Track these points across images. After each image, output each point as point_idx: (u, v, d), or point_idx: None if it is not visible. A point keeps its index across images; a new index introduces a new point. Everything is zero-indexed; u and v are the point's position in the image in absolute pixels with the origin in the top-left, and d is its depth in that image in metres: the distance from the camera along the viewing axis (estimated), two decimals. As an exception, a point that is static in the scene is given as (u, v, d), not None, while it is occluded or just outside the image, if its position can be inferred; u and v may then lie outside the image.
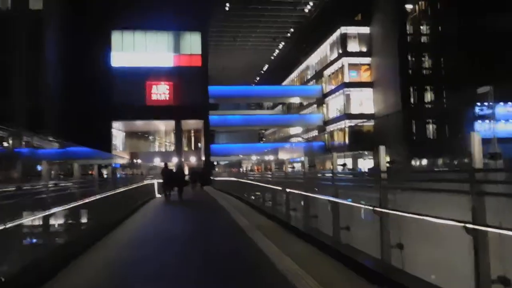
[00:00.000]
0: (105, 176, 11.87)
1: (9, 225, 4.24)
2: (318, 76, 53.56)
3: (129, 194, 12.19)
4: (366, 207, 4.70)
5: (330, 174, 6.47)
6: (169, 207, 14.77)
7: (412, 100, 43.28)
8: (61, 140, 9.80)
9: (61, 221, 6.36)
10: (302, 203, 7.10)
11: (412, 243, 4.30)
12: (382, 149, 5.05)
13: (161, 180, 18.54)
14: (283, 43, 63.14)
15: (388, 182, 4.80)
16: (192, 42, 40.43)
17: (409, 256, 4.29)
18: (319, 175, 9.17)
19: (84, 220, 7.63)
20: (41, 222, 5.50)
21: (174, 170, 19.30)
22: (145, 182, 17.47)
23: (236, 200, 14.80)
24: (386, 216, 4.50)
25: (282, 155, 44.48)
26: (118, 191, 10.52)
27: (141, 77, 38.28)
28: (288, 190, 7.88)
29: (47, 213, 5.52)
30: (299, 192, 7.24)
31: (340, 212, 5.60)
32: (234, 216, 9.98)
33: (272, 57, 67.81)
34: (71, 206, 6.40)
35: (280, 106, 66.29)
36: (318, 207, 6.74)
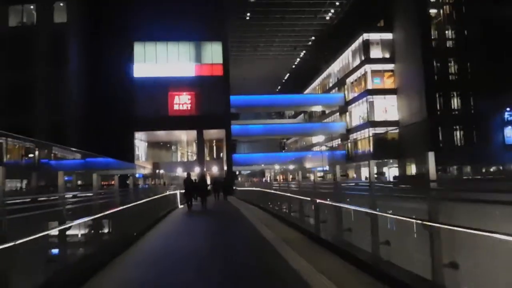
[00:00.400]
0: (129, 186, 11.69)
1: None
2: (340, 83, 52.87)
3: (151, 205, 11.94)
4: (413, 220, 4.16)
5: (364, 184, 5.92)
6: (192, 218, 14.41)
7: (438, 106, 42.02)
8: (83, 151, 9.69)
9: (74, 236, 6.08)
10: (334, 214, 6.57)
11: (470, 262, 3.73)
12: (431, 155, 4.53)
13: (183, 190, 18.38)
14: (304, 52, 62.82)
15: (437, 192, 4.24)
16: (213, 52, 40.61)
17: (465, 277, 3.73)
18: (351, 184, 8.61)
19: (101, 233, 7.37)
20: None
21: (197, 180, 19.16)
22: (168, 192, 17.27)
23: (260, 210, 14.33)
24: (438, 231, 3.95)
25: (305, 164, 43.90)
26: (140, 202, 10.27)
27: (163, 87, 38.62)
28: (318, 200, 7.37)
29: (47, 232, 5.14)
30: (331, 203, 6.73)
31: (380, 225, 5.05)
32: (259, 228, 9.50)
33: (293, 66, 67.53)
34: (83, 220, 6.12)
35: (301, 115, 65.73)
36: (351, 219, 6.22)
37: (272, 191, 13.11)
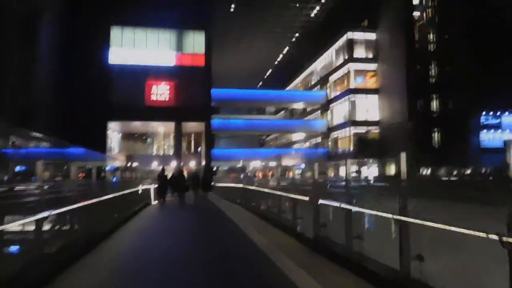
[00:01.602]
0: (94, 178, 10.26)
1: None
2: (323, 81, 52.48)
3: (120, 201, 10.55)
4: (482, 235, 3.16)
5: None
6: (169, 217, 13.02)
7: (418, 107, 42.28)
8: (55, 138, 8.28)
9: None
10: (343, 219, 5.51)
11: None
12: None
13: (157, 185, 17.42)
14: (287, 47, 61.96)
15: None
16: (196, 41, 38.94)
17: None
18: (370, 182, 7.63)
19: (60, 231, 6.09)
20: None
21: (172, 175, 18.26)
22: (141, 187, 15.83)
23: (245, 210, 13.13)
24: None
25: (286, 162, 43.08)
26: (107, 197, 8.93)
27: (141, 75, 36.64)
28: (321, 201, 6.30)
29: None
30: (337, 205, 5.67)
31: (411, 235, 4.04)
32: (248, 233, 8.29)
33: (276, 62, 66.61)
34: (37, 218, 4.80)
35: (282, 112, 65.01)
36: (363, 224, 5.19)
37: (260, 189, 11.96)
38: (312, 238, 6.55)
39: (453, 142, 38.61)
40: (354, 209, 5.16)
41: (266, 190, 11.27)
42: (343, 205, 5.40)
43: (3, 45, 31.14)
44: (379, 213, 4.57)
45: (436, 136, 42.56)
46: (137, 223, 10.59)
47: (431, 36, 45.76)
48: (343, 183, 6.12)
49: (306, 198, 7.00)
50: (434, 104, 44.03)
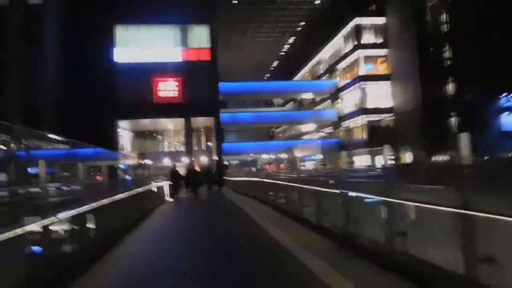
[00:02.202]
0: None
1: None
2: (331, 70, 51.51)
3: (132, 202, 10.10)
4: None
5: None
6: (185, 214, 12.51)
7: (433, 93, 41.07)
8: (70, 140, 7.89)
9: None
10: (379, 212, 4.92)
11: None
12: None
13: (170, 182, 17.32)
14: (293, 38, 60.88)
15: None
16: (200, 35, 38.30)
17: None
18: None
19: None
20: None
21: (186, 171, 18.16)
22: (155, 184, 15.42)
23: (261, 204, 12.60)
24: None
25: (297, 153, 42.46)
26: (124, 196, 8.50)
27: (148, 73, 36.20)
28: (354, 194, 5.70)
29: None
30: (373, 197, 5.07)
31: (477, 232, 3.40)
32: (269, 230, 7.74)
33: (282, 53, 65.59)
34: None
35: (291, 103, 64.20)
36: (408, 219, 4.59)
37: (276, 181, 11.40)
38: (341, 235, 5.98)
39: (471, 126, 37.47)
40: (395, 202, 4.56)
41: (284, 183, 10.71)
42: (380, 198, 4.80)
43: (8, 46, 31.00)
44: (431, 206, 3.94)
45: (453, 121, 41.34)
46: (155, 221, 10.18)
47: (443, 17, 44.35)
48: (369, 172, 5.48)
49: (333, 190, 6.42)
50: (449, 88, 42.79)
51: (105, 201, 7.08)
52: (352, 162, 42.18)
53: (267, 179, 13.57)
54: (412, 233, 4.40)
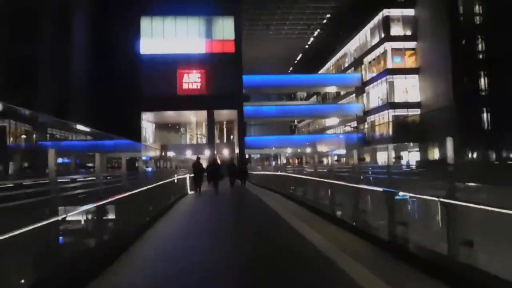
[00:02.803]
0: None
1: None
2: (357, 63, 50.16)
3: (153, 195, 9.76)
4: None
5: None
6: (209, 209, 12.03)
7: (465, 87, 39.22)
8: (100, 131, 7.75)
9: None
10: (436, 215, 4.32)
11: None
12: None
13: (192, 175, 17.01)
14: (318, 30, 59.54)
15: None
16: (225, 27, 37.87)
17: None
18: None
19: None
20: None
21: (207, 164, 17.90)
22: (177, 176, 15.14)
23: (286, 200, 12.07)
24: None
25: (321, 148, 41.60)
26: (145, 188, 8.16)
27: (172, 65, 36.16)
28: (402, 194, 5.09)
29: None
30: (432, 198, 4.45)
31: None
32: (299, 228, 7.17)
33: (306, 46, 64.37)
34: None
35: (314, 97, 63.09)
36: (469, 225, 3.97)
37: (306, 177, 10.82)
38: (388, 239, 5.38)
39: (506, 123, 35.65)
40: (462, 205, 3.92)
41: (315, 178, 10.14)
42: (439, 199, 4.18)
43: (36, 42, 31.50)
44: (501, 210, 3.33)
45: (486, 117, 39.43)
46: (172, 220, 9.77)
47: (477, 8, 42.27)
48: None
49: (376, 189, 5.82)
50: (482, 82, 40.79)
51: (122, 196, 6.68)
52: (363, 159, 41.05)
53: (294, 173, 13.02)
54: (480, 241, 3.78)
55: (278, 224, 8.25)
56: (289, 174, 13.37)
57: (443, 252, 4.16)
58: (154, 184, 9.81)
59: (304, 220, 8.25)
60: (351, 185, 6.96)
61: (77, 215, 5.06)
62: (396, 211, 5.35)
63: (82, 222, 5.45)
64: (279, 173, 15.50)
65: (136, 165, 8.98)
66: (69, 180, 5.68)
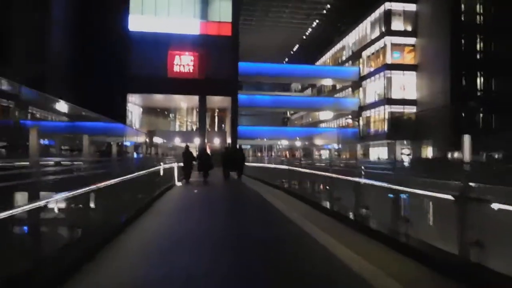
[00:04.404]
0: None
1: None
2: (355, 57, 49.13)
3: (136, 186, 8.23)
4: None
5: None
6: (199, 211, 9.45)
7: (462, 86, 38.58)
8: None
9: None
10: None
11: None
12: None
13: (181, 164, 16.08)
14: (317, 21, 58.05)
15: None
16: (222, 8, 35.97)
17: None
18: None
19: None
20: None
21: (197, 153, 17.29)
22: (163, 165, 13.54)
23: (288, 196, 10.67)
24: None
25: (315, 141, 40.51)
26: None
27: (163, 45, 34.14)
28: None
29: None
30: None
31: None
32: (307, 228, 5.97)
33: (304, 37, 62.91)
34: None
35: (309, 90, 61.92)
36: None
37: (311, 171, 9.44)
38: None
39: (504, 123, 35.10)
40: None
41: (320, 172, 8.78)
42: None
43: (11, 13, 29.07)
44: None
45: (485, 118, 38.86)
46: (155, 218, 8.14)
47: (478, 7, 41.58)
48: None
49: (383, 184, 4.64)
50: (480, 82, 40.29)
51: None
52: (365, 155, 40.38)
53: (290, 166, 11.64)
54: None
55: (282, 222, 6.97)
56: (293, 168, 11.87)
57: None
58: (135, 174, 8.25)
59: (307, 217, 6.87)
60: (355, 179, 5.72)
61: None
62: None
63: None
64: (279, 166, 14.03)
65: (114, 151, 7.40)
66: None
